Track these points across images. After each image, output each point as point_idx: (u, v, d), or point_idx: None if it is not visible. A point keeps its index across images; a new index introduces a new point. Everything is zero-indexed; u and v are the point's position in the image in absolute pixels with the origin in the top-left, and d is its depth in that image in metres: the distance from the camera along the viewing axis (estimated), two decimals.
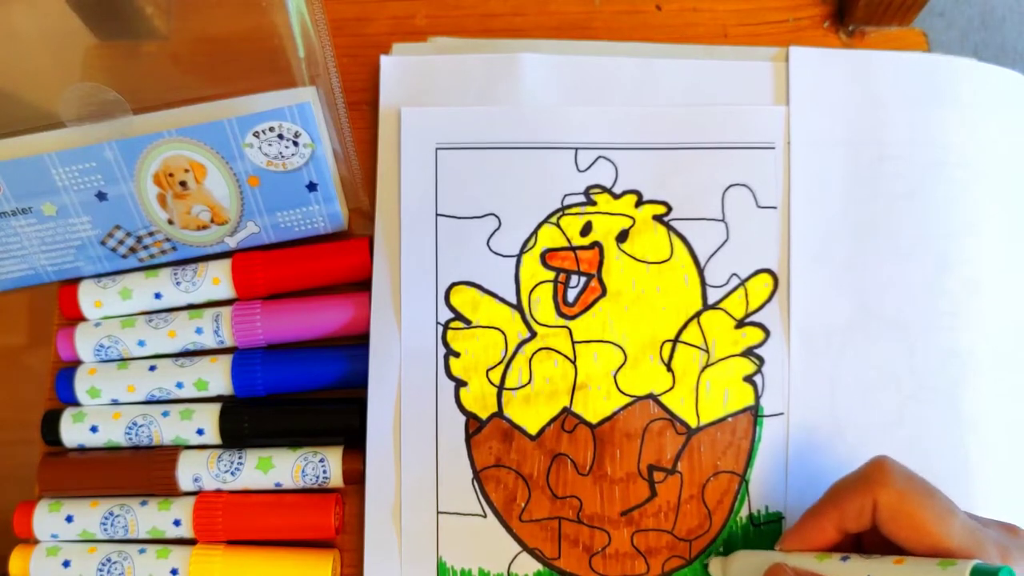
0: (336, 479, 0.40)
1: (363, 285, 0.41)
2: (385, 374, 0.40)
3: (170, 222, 0.40)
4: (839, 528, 0.33)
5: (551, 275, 0.40)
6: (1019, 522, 0.33)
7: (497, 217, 0.41)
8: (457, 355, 0.40)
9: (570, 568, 0.39)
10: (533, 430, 0.40)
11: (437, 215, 0.41)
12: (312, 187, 0.39)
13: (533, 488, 0.40)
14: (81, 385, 0.41)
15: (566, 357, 0.40)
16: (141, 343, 0.41)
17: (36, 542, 0.40)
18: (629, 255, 0.40)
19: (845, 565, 0.32)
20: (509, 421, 0.40)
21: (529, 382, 0.40)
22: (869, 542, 0.34)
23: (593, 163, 0.41)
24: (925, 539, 0.31)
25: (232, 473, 0.40)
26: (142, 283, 0.41)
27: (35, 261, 0.41)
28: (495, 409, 0.40)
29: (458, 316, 0.40)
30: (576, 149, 0.41)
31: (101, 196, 0.39)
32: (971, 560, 0.29)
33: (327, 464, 0.39)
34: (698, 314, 0.40)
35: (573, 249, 0.41)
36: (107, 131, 0.37)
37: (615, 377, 0.40)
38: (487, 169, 0.41)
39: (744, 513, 0.39)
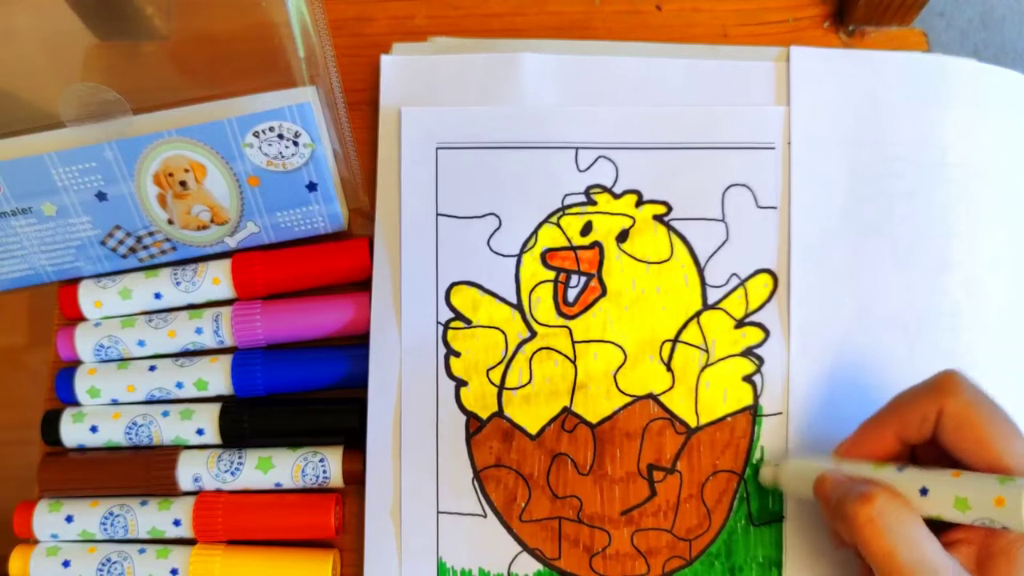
0: (336, 479, 0.40)
1: (363, 285, 0.41)
2: (385, 374, 0.40)
3: (170, 222, 0.40)
4: (899, 436, 0.33)
5: (551, 275, 0.40)
6: None
7: (497, 217, 0.41)
8: (457, 355, 0.40)
9: (570, 568, 0.39)
10: (533, 430, 0.40)
11: (437, 215, 0.41)
12: (312, 187, 0.39)
13: (533, 488, 0.40)
14: (81, 385, 0.41)
15: (566, 357, 0.40)
16: (141, 343, 0.41)
17: (36, 542, 0.40)
18: (629, 255, 0.40)
19: (901, 474, 0.32)
20: (509, 421, 0.40)
21: (529, 382, 0.40)
22: (924, 458, 0.33)
23: (593, 163, 0.41)
24: (985, 454, 0.30)
25: (232, 473, 0.40)
26: (142, 283, 0.41)
27: (35, 261, 0.41)
28: (495, 409, 0.40)
29: (458, 316, 0.40)
30: (576, 149, 0.41)
31: (101, 196, 0.39)
32: None
33: (327, 464, 0.39)
34: (698, 314, 0.40)
35: (573, 249, 0.41)
36: (107, 131, 0.37)
37: (615, 377, 0.40)
38: (487, 169, 0.41)
39: (743, 512, 0.39)
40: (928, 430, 0.32)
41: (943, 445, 0.32)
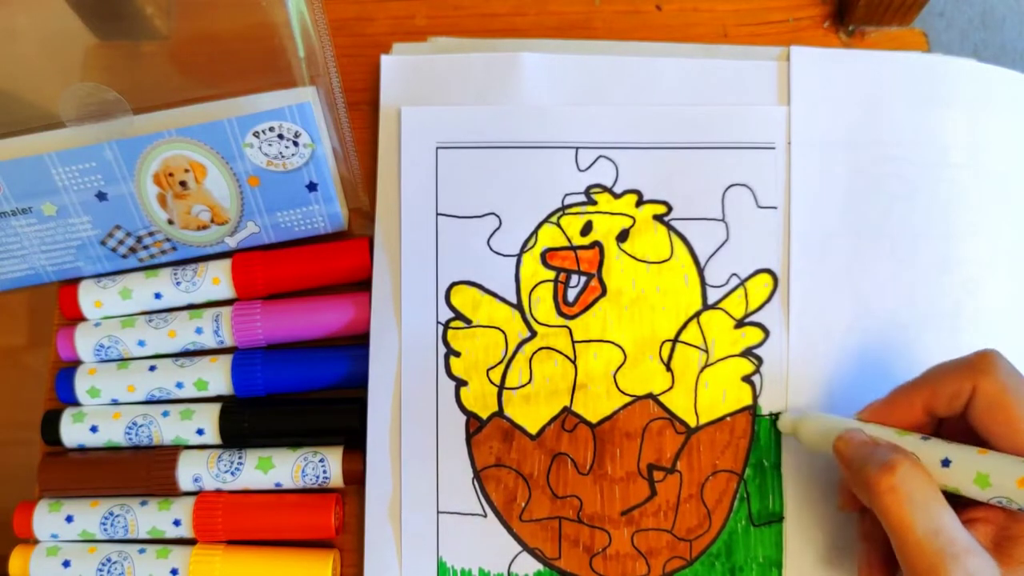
0: (336, 479, 0.40)
1: (363, 285, 0.41)
2: (385, 374, 0.40)
3: (170, 222, 0.40)
4: (927, 408, 0.33)
5: (551, 275, 0.40)
6: None
7: (497, 217, 0.41)
8: (457, 355, 0.40)
9: (570, 568, 0.39)
10: (533, 429, 0.40)
11: (437, 215, 0.41)
12: (312, 187, 0.39)
13: (533, 488, 0.40)
14: (81, 385, 0.41)
15: (566, 357, 0.40)
16: (141, 343, 0.41)
17: (36, 542, 0.40)
18: (629, 255, 0.40)
19: (925, 444, 0.32)
20: (509, 421, 0.40)
21: (529, 381, 0.40)
22: (949, 434, 0.33)
23: (593, 163, 0.41)
24: (1015, 436, 0.30)
25: (232, 473, 0.40)
26: (142, 283, 0.41)
27: (35, 261, 0.41)
28: (495, 409, 0.40)
29: (458, 316, 0.40)
30: (576, 149, 0.41)
31: (101, 196, 0.39)
32: None
33: (327, 464, 0.39)
34: (698, 314, 0.40)
35: (573, 249, 0.41)
36: (107, 131, 0.37)
37: (615, 377, 0.40)
38: (487, 168, 0.41)
39: (744, 513, 0.39)
40: (959, 406, 0.32)
41: (972, 423, 0.32)
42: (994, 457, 0.30)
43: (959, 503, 0.31)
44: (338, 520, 0.40)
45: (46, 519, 0.40)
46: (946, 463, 0.31)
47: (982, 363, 0.32)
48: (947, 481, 0.31)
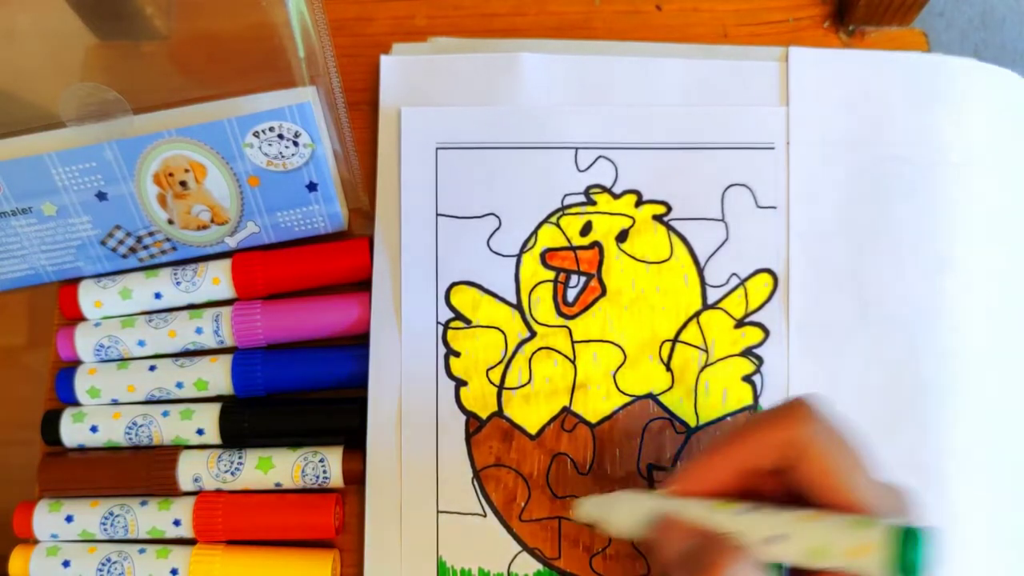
0: (336, 479, 0.40)
1: (363, 285, 0.41)
2: (385, 374, 0.40)
3: (170, 222, 0.40)
4: (744, 468, 0.30)
5: (551, 275, 0.40)
6: None
7: (497, 217, 0.41)
8: (457, 355, 0.40)
9: (570, 568, 0.39)
10: (533, 429, 0.40)
11: (437, 215, 0.41)
12: (312, 187, 0.39)
13: (533, 487, 0.40)
14: (81, 385, 0.41)
15: (566, 357, 0.40)
16: (141, 343, 0.41)
17: (36, 542, 0.40)
18: (629, 255, 0.40)
19: (744, 518, 0.29)
20: (509, 421, 0.40)
21: (529, 382, 0.40)
22: (772, 488, 0.31)
23: (593, 163, 0.41)
24: (836, 488, 0.28)
25: (232, 473, 0.40)
26: (142, 283, 0.41)
27: (35, 261, 0.41)
28: (495, 409, 0.40)
29: (458, 316, 0.40)
30: (576, 149, 0.41)
31: (101, 196, 0.39)
32: (884, 519, 0.27)
33: (327, 464, 0.39)
34: (698, 314, 0.40)
35: (573, 249, 0.41)
36: (107, 131, 0.37)
37: (614, 377, 0.40)
38: (487, 169, 0.41)
39: None
40: (776, 459, 0.29)
41: (792, 477, 0.29)
42: (821, 523, 0.28)
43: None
44: (338, 520, 0.40)
45: (46, 519, 0.40)
46: (773, 540, 0.28)
47: (797, 411, 0.29)
48: (780, 556, 0.28)
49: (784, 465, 0.29)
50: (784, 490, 0.30)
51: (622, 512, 0.33)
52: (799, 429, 0.29)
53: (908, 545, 0.26)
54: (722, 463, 0.30)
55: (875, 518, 0.27)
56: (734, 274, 0.40)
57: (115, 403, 0.41)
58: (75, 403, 0.41)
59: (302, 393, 0.41)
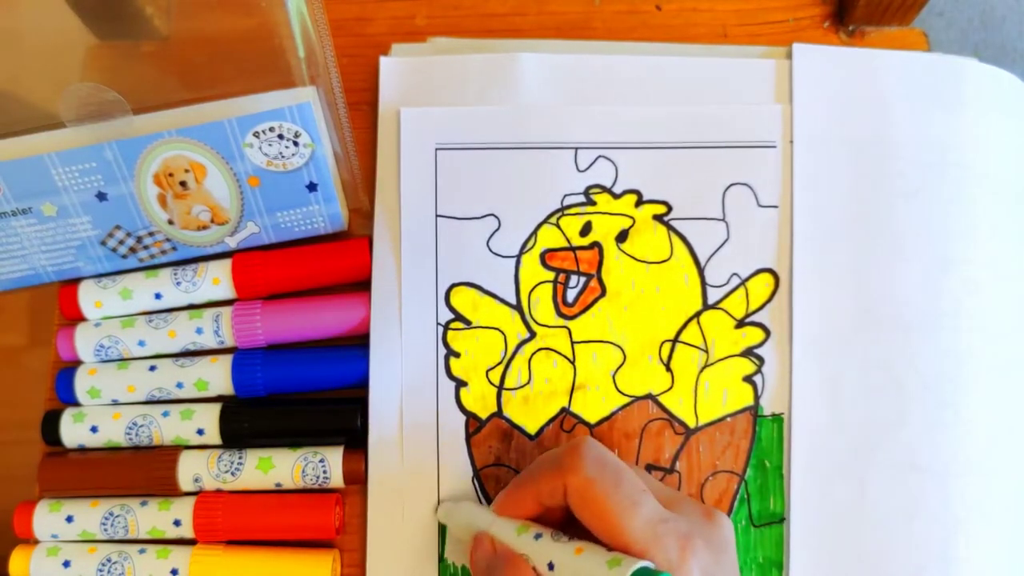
0: (336, 479, 0.40)
1: (363, 285, 0.41)
2: (385, 374, 0.40)
3: (170, 222, 0.40)
4: (538, 502, 0.33)
5: (551, 275, 0.40)
6: None
7: (497, 217, 0.41)
8: (457, 355, 0.40)
9: None
10: (532, 430, 0.40)
11: (437, 215, 0.41)
12: (312, 187, 0.39)
13: None
14: (81, 385, 0.41)
15: (565, 357, 0.40)
16: (141, 343, 0.41)
17: (36, 542, 0.40)
18: (629, 255, 0.40)
19: (536, 543, 0.32)
20: (509, 421, 0.40)
21: (528, 382, 0.40)
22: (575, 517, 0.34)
23: (593, 163, 0.41)
24: (607, 529, 0.31)
25: (232, 473, 0.40)
26: (142, 283, 0.41)
27: (35, 261, 0.41)
28: (495, 409, 0.40)
29: (458, 317, 0.40)
30: (576, 149, 0.41)
31: (101, 196, 0.39)
32: (635, 562, 0.29)
33: (327, 464, 0.39)
34: (698, 314, 0.40)
35: (573, 249, 0.41)
36: (107, 131, 0.37)
37: (614, 377, 0.40)
38: (487, 169, 0.41)
39: (744, 513, 0.39)
40: (560, 500, 0.32)
41: (574, 514, 0.32)
42: (587, 557, 0.31)
43: None
44: (338, 520, 0.40)
45: (46, 519, 0.40)
46: (551, 567, 0.31)
47: (568, 459, 0.32)
48: None
49: (568, 504, 0.32)
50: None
51: (460, 521, 0.37)
52: (571, 478, 0.32)
53: None
54: (523, 496, 0.34)
55: (629, 558, 0.30)
56: (735, 274, 0.40)
57: (115, 403, 0.41)
58: (75, 403, 0.41)
59: (302, 393, 0.41)
